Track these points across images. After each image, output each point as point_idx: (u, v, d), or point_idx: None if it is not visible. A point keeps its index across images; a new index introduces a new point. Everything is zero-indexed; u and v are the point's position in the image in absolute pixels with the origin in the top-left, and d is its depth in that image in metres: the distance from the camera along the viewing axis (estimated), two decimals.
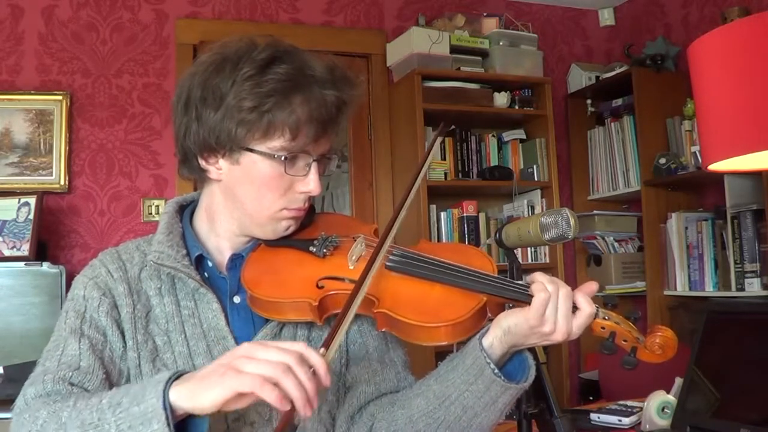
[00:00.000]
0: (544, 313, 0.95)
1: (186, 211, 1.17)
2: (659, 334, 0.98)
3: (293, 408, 0.79)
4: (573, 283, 2.26)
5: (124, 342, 1.04)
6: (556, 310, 0.96)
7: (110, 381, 0.99)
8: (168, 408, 0.80)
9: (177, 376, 0.83)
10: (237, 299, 1.10)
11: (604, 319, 0.99)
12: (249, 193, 1.06)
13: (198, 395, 0.80)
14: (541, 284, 0.97)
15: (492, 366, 0.96)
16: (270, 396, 0.78)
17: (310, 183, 1.06)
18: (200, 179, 1.12)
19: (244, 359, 0.80)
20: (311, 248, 1.08)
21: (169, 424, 0.79)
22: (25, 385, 0.97)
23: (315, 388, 0.81)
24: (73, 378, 0.96)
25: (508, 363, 1.02)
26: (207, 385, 0.80)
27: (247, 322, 1.09)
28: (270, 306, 1.03)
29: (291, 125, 1.01)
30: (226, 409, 0.81)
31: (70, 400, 0.88)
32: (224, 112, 1.01)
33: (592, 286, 1.00)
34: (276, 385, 0.78)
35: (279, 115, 1.00)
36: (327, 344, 0.85)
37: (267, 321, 1.08)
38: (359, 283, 0.94)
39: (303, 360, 0.81)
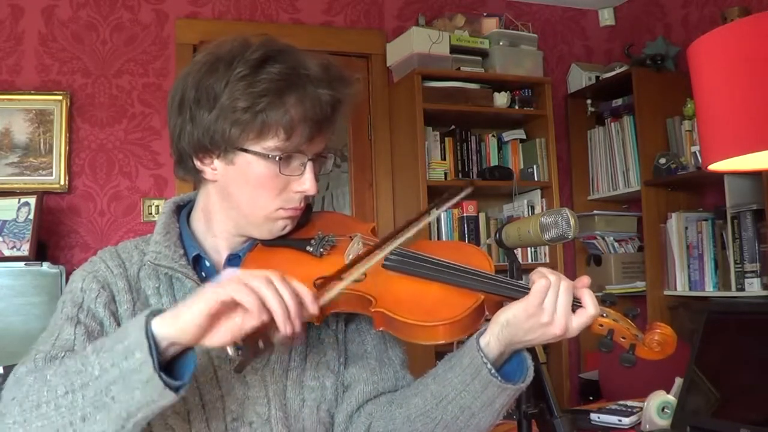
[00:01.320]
0: (542, 300, 0.94)
1: (183, 211, 1.17)
2: (658, 331, 0.98)
3: (272, 321, 0.82)
4: None
5: None
6: (555, 300, 0.95)
7: None
8: (151, 337, 0.81)
9: (161, 311, 0.85)
10: None
11: (603, 316, 0.98)
12: (244, 193, 1.06)
13: (180, 315, 0.82)
14: (542, 273, 0.96)
15: (489, 366, 0.96)
16: (247, 299, 0.81)
17: (306, 182, 1.05)
18: (196, 180, 1.12)
19: (225, 281, 0.82)
20: (308, 248, 1.08)
21: (151, 353, 0.80)
22: (16, 365, 0.97)
23: (297, 308, 0.84)
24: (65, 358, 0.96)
25: (507, 364, 1.01)
26: (189, 304, 0.82)
27: None
28: None
29: (285, 125, 1.00)
30: (211, 342, 0.82)
31: (56, 361, 0.90)
32: (218, 113, 1.00)
33: (584, 280, 0.99)
34: (256, 294, 0.81)
35: (273, 115, 1.00)
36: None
37: None
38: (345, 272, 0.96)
39: (287, 281, 0.84)
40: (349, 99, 1.07)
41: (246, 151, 1.02)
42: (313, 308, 0.85)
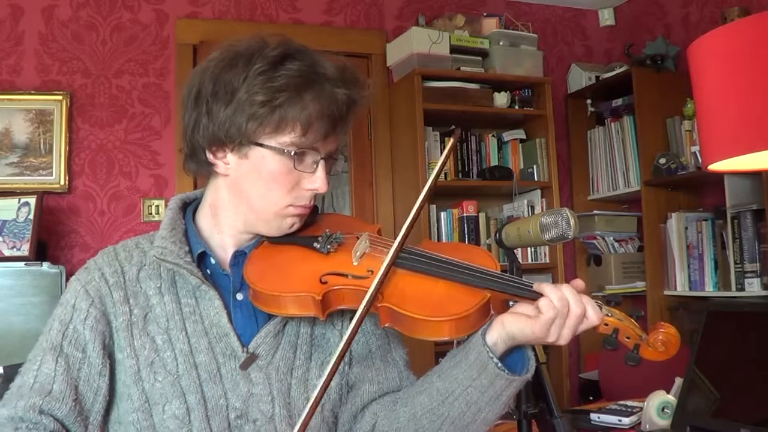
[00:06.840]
0: (549, 328, 0.96)
1: (189, 208, 1.18)
2: (662, 330, 0.98)
3: None
4: None
5: (111, 357, 1.05)
6: (561, 329, 0.97)
7: (81, 404, 1.01)
8: None
9: None
10: (240, 296, 1.10)
11: (608, 315, 0.99)
12: (256, 188, 1.06)
13: None
14: (550, 302, 0.96)
15: (495, 360, 0.97)
16: None
17: (317, 180, 1.06)
18: (207, 174, 1.12)
19: None
20: (315, 245, 1.08)
21: None
22: (2, 399, 1.00)
23: None
24: (43, 405, 0.98)
25: (508, 357, 1.02)
26: None
27: (250, 319, 1.09)
28: (272, 300, 1.03)
29: (302, 121, 1.02)
30: None
31: None
32: (235, 107, 1.02)
33: (577, 283, 1.01)
34: None
35: (291, 110, 1.01)
36: None
37: (270, 317, 1.08)
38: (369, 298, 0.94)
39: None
40: (362, 101, 1.09)
41: (261, 145, 1.03)
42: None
